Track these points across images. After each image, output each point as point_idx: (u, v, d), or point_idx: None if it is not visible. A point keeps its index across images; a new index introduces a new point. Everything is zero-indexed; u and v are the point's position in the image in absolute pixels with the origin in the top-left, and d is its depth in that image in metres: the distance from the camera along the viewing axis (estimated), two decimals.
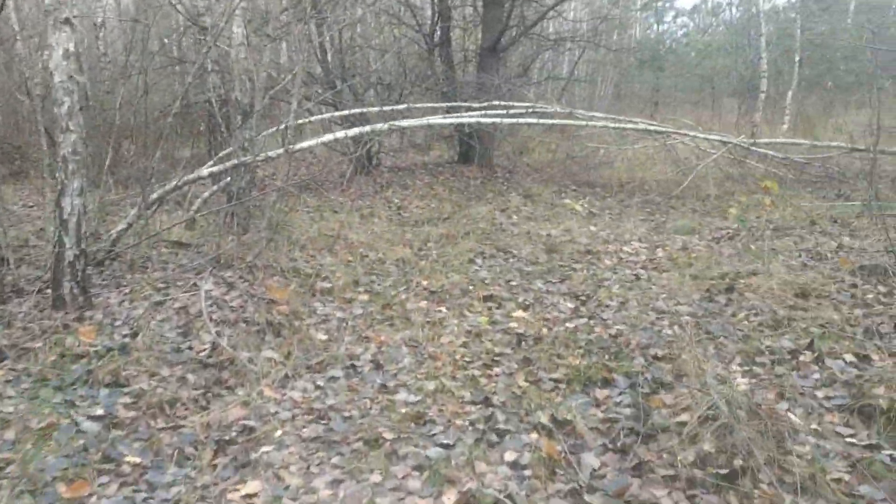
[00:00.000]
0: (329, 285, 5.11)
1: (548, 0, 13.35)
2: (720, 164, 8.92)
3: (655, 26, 20.35)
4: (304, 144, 6.72)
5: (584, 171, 10.32)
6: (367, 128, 7.08)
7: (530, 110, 8.04)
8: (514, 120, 7.61)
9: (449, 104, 9.54)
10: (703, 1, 22.88)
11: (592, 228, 6.83)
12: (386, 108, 8.81)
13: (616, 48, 15.28)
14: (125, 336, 4.02)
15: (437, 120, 7.45)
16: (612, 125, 7.85)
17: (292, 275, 5.23)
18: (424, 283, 5.19)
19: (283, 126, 6.57)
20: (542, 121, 7.76)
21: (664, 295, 4.63)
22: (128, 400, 3.40)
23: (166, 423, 3.27)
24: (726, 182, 9.16)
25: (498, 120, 7.41)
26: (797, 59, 13.94)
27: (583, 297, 4.79)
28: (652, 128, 8.19)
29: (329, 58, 11.39)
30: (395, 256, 5.99)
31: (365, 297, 4.97)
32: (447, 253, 6.04)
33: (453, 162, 12.45)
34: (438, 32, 12.20)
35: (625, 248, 5.95)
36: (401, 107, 8.88)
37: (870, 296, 4.23)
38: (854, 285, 4.40)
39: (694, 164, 8.96)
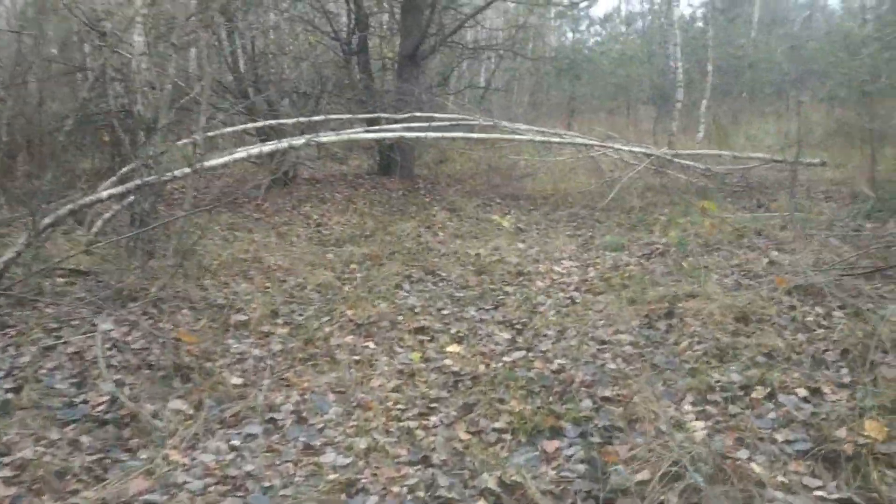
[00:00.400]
0: (244, 318, 4.68)
1: (465, 9, 13.21)
2: (643, 175, 8.92)
3: (570, 35, 20.60)
4: (215, 162, 6.24)
5: (508, 183, 10.15)
6: (284, 143, 6.66)
7: (453, 123, 7.78)
8: (438, 134, 7.34)
9: (369, 115, 9.19)
10: (616, 10, 23.31)
11: (521, 246, 6.61)
12: (302, 119, 8.38)
13: (534, 57, 15.24)
14: (7, 391, 3.48)
15: (358, 135, 7.09)
16: (538, 138, 7.68)
17: (203, 307, 4.78)
18: (349, 312, 4.82)
19: (191, 140, 6.09)
20: (467, 135, 7.51)
21: (602, 322, 4.43)
22: (8, 473, 2.90)
23: (55, 500, 2.80)
24: (647, 192, 9.18)
25: (422, 134, 7.12)
26: (710, 68, 14.25)
27: (518, 326, 4.53)
28: (578, 140, 8.07)
29: (241, 66, 10.84)
30: (317, 281, 5.60)
31: (284, 330, 4.57)
32: (372, 276, 5.69)
33: (373, 173, 12.07)
34: (356, 40, 11.82)
35: (556, 268, 5.75)
36: (318, 118, 8.47)
37: (809, 318, 4.14)
38: (793, 307, 4.31)
39: (617, 176, 8.93)
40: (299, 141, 6.31)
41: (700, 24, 23.73)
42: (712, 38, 14.79)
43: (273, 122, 8.64)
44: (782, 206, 8.21)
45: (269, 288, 5.42)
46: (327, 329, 4.54)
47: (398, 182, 11.31)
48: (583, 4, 21.09)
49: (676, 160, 8.39)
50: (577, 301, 4.96)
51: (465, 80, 18.38)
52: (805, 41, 16.62)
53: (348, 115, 8.73)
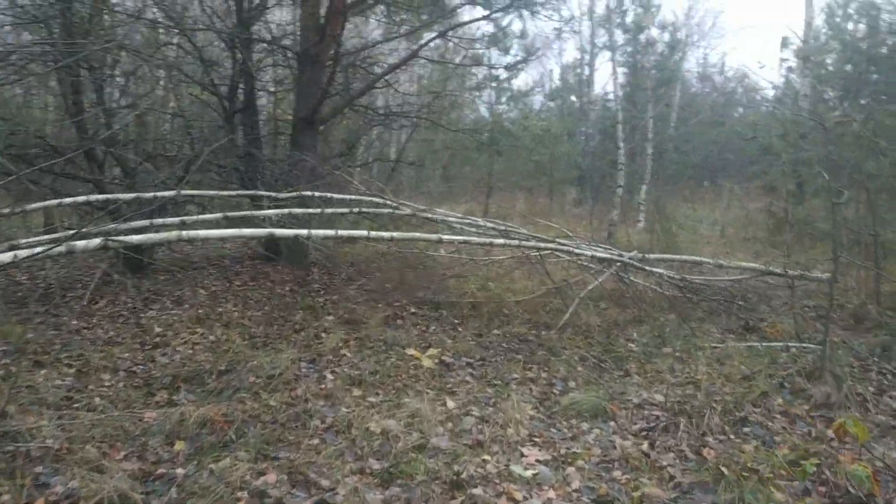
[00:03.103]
0: None
1: (376, 68, 11.22)
2: (597, 279, 6.92)
3: (484, 108, 19.09)
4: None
5: (426, 283, 7.92)
6: (95, 241, 4.23)
7: (356, 210, 5.57)
8: (328, 233, 5.08)
9: (242, 192, 6.83)
10: (540, 84, 22.07)
11: (452, 406, 4.33)
12: (145, 196, 5.92)
13: (454, 128, 13.39)
14: None
15: (216, 233, 4.75)
16: (476, 239, 5.53)
17: None
18: None
19: None
20: (373, 235, 5.27)
21: None
22: None
23: None
24: (601, 302, 7.18)
25: (303, 232, 4.83)
26: (649, 151, 12.76)
27: None
28: (528, 243, 5.96)
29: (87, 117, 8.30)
30: (101, 494, 3.12)
31: None
32: (200, 485, 3.24)
33: (256, 257, 9.62)
34: (240, 95, 9.53)
35: (516, 470, 3.47)
36: (169, 193, 6.05)
37: None
38: None
39: (565, 281, 6.92)
40: (93, 242, 3.87)
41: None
42: (653, 119, 13.37)
43: (120, 195, 6.19)
44: (780, 331, 6.35)
45: None
46: None
47: (287, 271, 8.92)
48: (504, 76, 19.72)
49: (647, 267, 6.43)
50: None
51: (374, 150, 16.39)
52: (752, 128, 15.56)
53: (213, 193, 6.32)
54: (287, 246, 8.87)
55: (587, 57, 22.35)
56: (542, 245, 5.86)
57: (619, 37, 15.33)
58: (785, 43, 26.32)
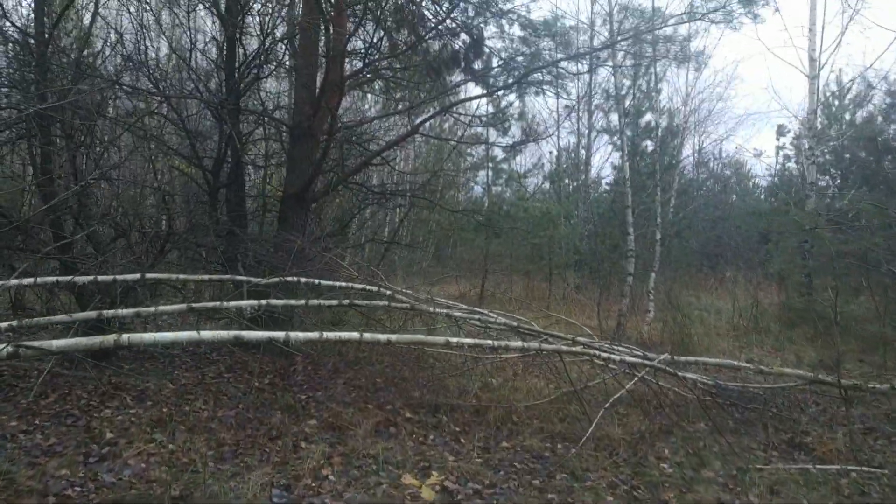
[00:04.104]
0: None
1: (372, 144, 10.66)
2: (619, 382, 6.08)
3: (487, 187, 18.56)
4: None
5: (423, 380, 7.05)
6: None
7: (346, 301, 4.78)
8: (311, 335, 4.26)
9: (223, 276, 6.02)
10: (538, 166, 21.66)
11: None
12: (104, 279, 5.12)
13: (453, 208, 12.78)
14: None
15: (166, 337, 3.93)
16: (490, 341, 4.68)
17: None
18: None
19: None
20: (367, 338, 4.42)
21: None
22: None
23: None
24: (622, 409, 6.32)
25: (281, 335, 4.02)
26: (658, 236, 12.13)
27: None
28: (548, 346, 5.14)
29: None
30: None
31: None
32: None
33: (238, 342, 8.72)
34: (226, 169, 8.88)
35: None
36: (132, 276, 5.25)
37: None
38: None
39: (584, 383, 6.09)
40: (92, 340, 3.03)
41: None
42: (660, 202, 12.80)
43: (78, 277, 5.37)
44: (832, 449, 5.50)
45: None
46: None
47: (267, 360, 8.04)
48: (501, 156, 19.36)
49: (679, 372, 5.61)
50: None
51: (368, 230, 15.72)
52: (767, 212, 15.08)
53: (182, 276, 5.51)
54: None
55: (584, 140, 22.13)
56: (566, 349, 5.05)
57: (618, 119, 15.02)
58: (781, 131, 26.41)
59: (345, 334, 4.19)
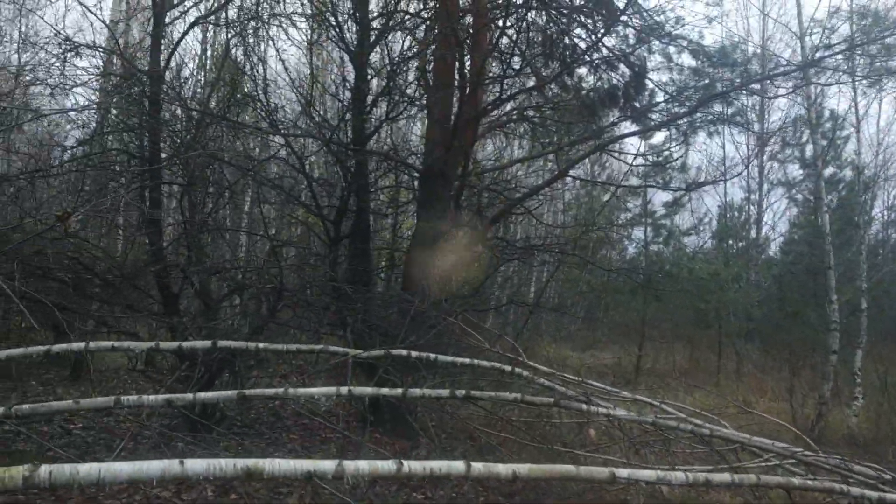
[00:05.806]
0: None
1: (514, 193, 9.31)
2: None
3: (645, 245, 16.68)
4: None
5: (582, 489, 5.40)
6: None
7: (461, 391, 3.37)
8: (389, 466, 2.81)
9: (316, 347, 4.80)
10: (702, 222, 19.38)
11: None
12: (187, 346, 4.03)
13: (610, 268, 11.17)
14: None
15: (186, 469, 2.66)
16: (681, 473, 2.99)
17: None
18: None
19: None
20: (478, 471, 2.84)
21: None
22: None
23: None
24: None
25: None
26: (864, 304, 9.82)
27: None
28: (769, 480, 3.37)
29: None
30: None
31: None
32: None
33: (352, 417, 7.47)
34: (349, 220, 7.84)
35: None
36: (202, 344, 4.14)
37: None
38: None
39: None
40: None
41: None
42: (867, 263, 10.45)
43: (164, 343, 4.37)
44: None
45: None
46: None
47: (386, 441, 6.79)
48: (661, 212, 17.39)
49: None
50: None
51: (510, 287, 14.34)
52: None
53: (270, 346, 4.31)
54: (389, 404, 6.75)
55: (754, 195, 19.72)
56: (797, 484, 3.26)
57: (812, 156, 12.91)
58: None
59: (445, 466, 2.63)
